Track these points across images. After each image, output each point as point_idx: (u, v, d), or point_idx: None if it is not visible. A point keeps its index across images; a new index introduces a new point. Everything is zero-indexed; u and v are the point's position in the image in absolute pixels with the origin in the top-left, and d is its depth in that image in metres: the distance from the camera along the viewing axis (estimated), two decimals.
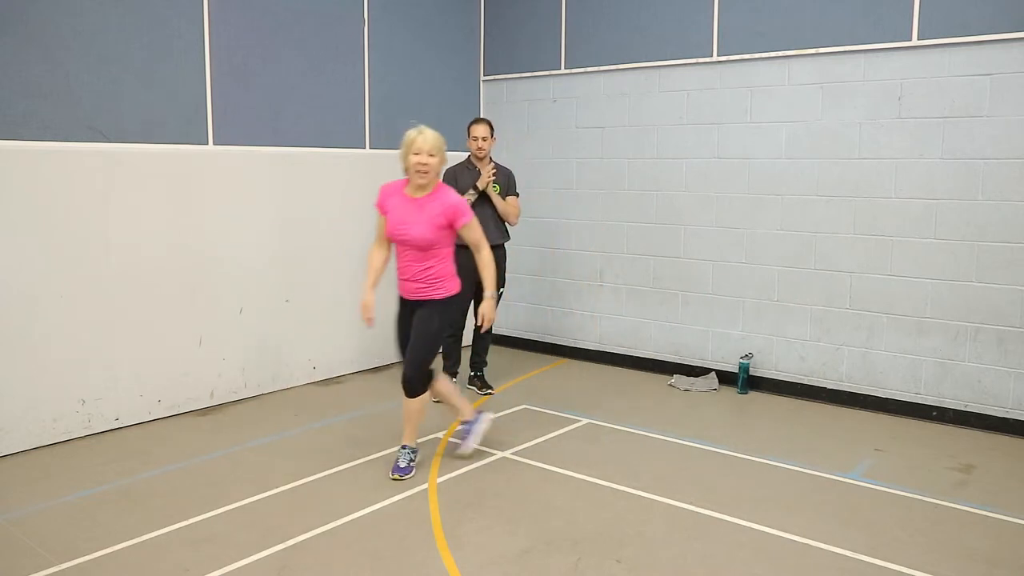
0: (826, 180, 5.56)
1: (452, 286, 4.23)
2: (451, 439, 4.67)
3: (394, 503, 3.90)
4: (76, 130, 4.64)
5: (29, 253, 4.48)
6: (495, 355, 6.41)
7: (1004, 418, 5.03)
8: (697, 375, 6.16)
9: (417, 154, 4.04)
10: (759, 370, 5.94)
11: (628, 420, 5.19)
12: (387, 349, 6.63)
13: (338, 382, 6.13)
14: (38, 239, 4.51)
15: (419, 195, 4.14)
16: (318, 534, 3.57)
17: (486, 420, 4.55)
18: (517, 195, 5.74)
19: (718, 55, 5.93)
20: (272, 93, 5.61)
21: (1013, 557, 3.46)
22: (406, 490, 4.04)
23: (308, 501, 3.93)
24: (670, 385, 6.10)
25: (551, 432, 4.96)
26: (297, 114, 5.79)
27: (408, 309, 4.30)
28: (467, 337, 5.99)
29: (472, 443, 4.47)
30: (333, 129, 6.08)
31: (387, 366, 6.59)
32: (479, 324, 4.46)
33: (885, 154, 5.32)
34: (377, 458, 4.49)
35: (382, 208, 4.24)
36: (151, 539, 3.52)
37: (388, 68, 6.42)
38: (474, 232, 4.23)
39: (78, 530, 3.60)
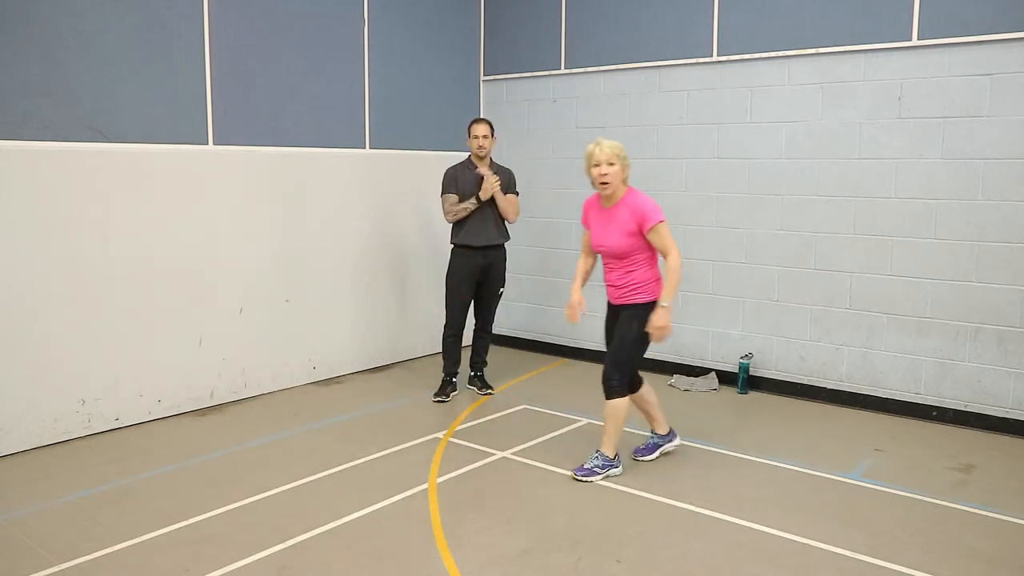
0: (826, 180, 5.56)
1: (654, 290, 4.22)
2: (639, 447, 4.60)
3: (394, 503, 3.90)
4: (76, 130, 4.64)
5: (29, 253, 4.48)
6: (495, 355, 6.41)
7: (1004, 418, 5.03)
8: (697, 375, 6.16)
9: (597, 166, 4.14)
10: (759, 370, 5.93)
11: (628, 420, 5.18)
12: (387, 349, 6.65)
13: (338, 382, 6.12)
14: (38, 239, 4.51)
15: (609, 205, 4.24)
16: (318, 534, 3.57)
17: (676, 442, 4.63)
18: (517, 194, 5.74)
19: (718, 55, 5.93)
20: (272, 93, 5.61)
21: (1013, 557, 3.46)
22: (406, 490, 4.04)
23: (308, 501, 3.93)
24: (670, 385, 6.10)
25: (551, 432, 4.96)
26: (297, 114, 5.79)
27: (614, 313, 4.39)
28: (467, 337, 5.99)
29: (653, 456, 4.54)
30: (333, 129, 6.07)
31: (387, 366, 6.59)
32: (650, 335, 4.13)
33: (885, 154, 5.32)
34: (377, 458, 4.49)
35: (586, 223, 4.42)
36: (151, 539, 3.52)
37: (388, 68, 6.42)
38: (661, 237, 4.11)
39: (78, 530, 3.60)
